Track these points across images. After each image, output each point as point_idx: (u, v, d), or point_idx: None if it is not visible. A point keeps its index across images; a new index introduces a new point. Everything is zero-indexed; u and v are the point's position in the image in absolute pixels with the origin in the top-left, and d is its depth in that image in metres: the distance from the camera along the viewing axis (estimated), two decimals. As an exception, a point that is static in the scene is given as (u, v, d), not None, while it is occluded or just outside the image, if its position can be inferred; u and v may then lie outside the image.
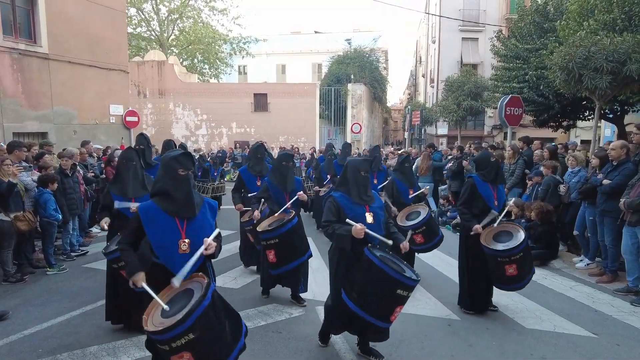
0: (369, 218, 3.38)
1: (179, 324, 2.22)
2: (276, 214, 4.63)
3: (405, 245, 3.43)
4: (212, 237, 2.64)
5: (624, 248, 5.16)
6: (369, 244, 3.28)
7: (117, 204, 3.83)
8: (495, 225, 4.39)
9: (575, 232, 6.43)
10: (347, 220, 3.24)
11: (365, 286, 3.17)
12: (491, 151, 5.73)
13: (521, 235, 4.30)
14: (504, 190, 4.68)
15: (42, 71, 10.62)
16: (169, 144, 7.22)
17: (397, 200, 5.65)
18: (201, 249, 2.55)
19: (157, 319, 2.37)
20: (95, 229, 8.03)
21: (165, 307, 2.39)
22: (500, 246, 4.28)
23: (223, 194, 10.72)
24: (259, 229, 4.54)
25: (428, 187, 9.05)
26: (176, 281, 2.46)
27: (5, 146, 6.60)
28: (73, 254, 6.66)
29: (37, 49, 10.46)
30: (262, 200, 4.96)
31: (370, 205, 3.44)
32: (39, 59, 10.53)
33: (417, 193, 5.76)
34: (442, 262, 6.51)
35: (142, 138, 6.75)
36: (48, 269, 5.94)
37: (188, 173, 2.71)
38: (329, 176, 8.52)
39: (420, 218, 5.17)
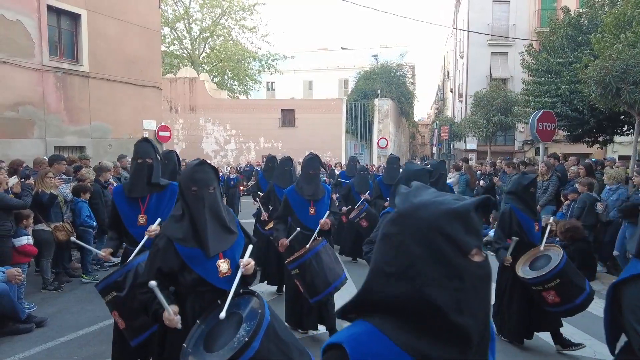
0: None
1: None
2: None
3: None
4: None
5: (670, 270, 4.88)
6: None
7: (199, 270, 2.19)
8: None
9: (615, 253, 6.14)
10: None
11: None
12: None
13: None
14: None
15: (82, 89, 11.18)
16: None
17: (519, 238, 3.95)
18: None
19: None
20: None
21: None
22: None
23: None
24: None
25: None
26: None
27: (47, 159, 6.96)
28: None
29: (78, 68, 11.05)
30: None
31: None
32: (80, 77, 11.11)
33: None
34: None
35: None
36: (84, 276, 6.16)
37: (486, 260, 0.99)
38: (362, 196, 7.13)
39: (551, 266, 3.72)
